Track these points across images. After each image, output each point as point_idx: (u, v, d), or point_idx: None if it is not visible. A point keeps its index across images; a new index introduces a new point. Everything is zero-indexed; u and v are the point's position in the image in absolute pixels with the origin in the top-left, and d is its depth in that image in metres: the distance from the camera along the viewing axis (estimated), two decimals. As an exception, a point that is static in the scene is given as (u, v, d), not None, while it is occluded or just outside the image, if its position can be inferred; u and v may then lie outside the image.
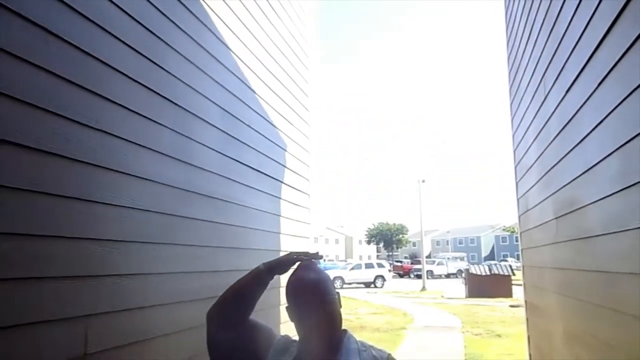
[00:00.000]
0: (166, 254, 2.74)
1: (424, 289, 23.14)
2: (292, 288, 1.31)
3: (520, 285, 5.36)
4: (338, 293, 1.32)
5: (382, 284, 26.05)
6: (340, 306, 1.33)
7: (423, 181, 28.75)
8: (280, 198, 4.53)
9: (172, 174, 2.82)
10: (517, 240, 5.21)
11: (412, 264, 39.89)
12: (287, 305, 1.33)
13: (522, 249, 4.88)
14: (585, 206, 2.53)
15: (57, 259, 2.05)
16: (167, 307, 2.77)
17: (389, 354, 1.33)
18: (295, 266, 1.39)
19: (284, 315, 4.49)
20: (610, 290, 2.24)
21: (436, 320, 12.23)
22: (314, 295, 1.27)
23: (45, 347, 1.98)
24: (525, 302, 4.94)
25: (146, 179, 2.58)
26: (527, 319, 4.91)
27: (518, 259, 5.52)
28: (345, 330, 1.35)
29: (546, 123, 3.29)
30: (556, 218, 3.22)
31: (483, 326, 10.92)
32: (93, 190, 2.22)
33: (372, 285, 25.89)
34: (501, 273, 18.89)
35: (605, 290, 2.33)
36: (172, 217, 2.78)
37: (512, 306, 14.40)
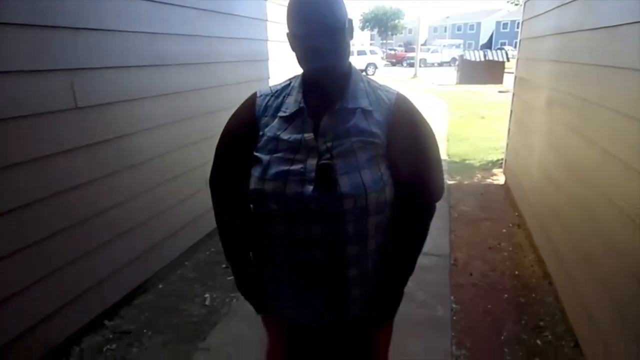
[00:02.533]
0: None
1: (415, 76, 23.16)
2: (292, 6, 1.06)
3: (512, 73, 5.28)
4: (350, 20, 1.10)
5: (374, 72, 25.94)
6: (352, 36, 1.12)
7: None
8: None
9: None
10: (518, 27, 4.89)
11: (405, 51, 39.03)
12: (287, 31, 1.12)
13: (522, 21, 4.63)
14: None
15: (24, 6, 1.89)
16: (148, 68, 2.71)
17: (397, 92, 1.16)
18: None
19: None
20: (609, 47, 2.16)
21: (423, 104, 12.57)
22: (316, 17, 1.03)
23: (34, 95, 1.98)
24: (515, 77, 4.94)
25: None
26: (513, 94, 5.00)
27: (516, 47, 5.28)
28: (350, 64, 1.16)
29: None
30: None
31: (469, 109, 11.32)
32: None
33: (363, 73, 25.64)
34: (495, 59, 18.67)
35: (603, 48, 2.25)
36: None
37: (500, 92, 14.68)
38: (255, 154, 1.14)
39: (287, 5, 1.08)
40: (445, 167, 6.14)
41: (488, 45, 55.83)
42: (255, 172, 1.12)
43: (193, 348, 2.36)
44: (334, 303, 1.19)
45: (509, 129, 5.12)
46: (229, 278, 3.07)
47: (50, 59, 2.04)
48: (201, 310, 2.72)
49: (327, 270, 1.14)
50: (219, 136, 1.25)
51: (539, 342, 2.43)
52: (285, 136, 1.11)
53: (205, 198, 1.40)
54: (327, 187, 1.05)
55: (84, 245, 2.36)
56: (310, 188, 1.06)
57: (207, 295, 2.89)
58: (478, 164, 6.26)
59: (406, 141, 1.12)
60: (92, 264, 2.44)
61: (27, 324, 2.08)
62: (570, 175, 2.65)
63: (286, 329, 1.32)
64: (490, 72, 17.91)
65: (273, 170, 1.09)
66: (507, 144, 5.16)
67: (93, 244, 2.42)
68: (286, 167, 1.08)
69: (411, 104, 1.18)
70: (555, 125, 3.05)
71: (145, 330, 2.52)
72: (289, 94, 1.17)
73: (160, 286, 2.98)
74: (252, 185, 1.13)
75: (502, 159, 5.65)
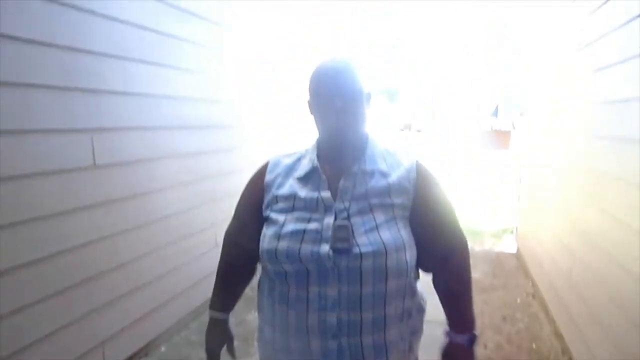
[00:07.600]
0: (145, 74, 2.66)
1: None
2: (316, 75, 1.13)
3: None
4: (369, 93, 1.15)
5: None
6: (369, 105, 1.15)
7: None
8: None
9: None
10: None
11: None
12: (308, 98, 1.16)
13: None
14: None
15: (52, 67, 2.00)
16: (167, 131, 2.80)
17: (417, 160, 1.19)
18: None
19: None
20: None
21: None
22: (339, 84, 1.08)
23: (54, 153, 2.06)
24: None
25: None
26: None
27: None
28: (367, 132, 1.20)
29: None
30: None
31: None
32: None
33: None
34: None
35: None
36: (145, 31, 2.63)
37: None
38: (270, 214, 1.14)
39: (311, 75, 1.14)
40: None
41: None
42: (269, 231, 1.11)
43: (194, 418, 2.23)
44: None
45: (518, 196, 5.11)
46: (235, 343, 2.96)
47: (75, 119, 2.13)
48: (204, 377, 2.60)
49: (341, 336, 1.07)
50: (226, 198, 1.29)
51: None
52: (302, 194, 1.11)
53: (210, 260, 1.40)
54: (343, 248, 1.04)
55: (87, 305, 2.33)
56: (326, 247, 1.04)
57: None
58: (488, 231, 6.19)
59: (432, 204, 1.15)
60: (94, 324, 2.38)
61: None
62: (585, 243, 2.60)
63: None
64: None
65: (289, 228, 1.08)
66: (519, 212, 5.13)
67: (96, 304, 2.38)
68: (302, 226, 1.07)
69: (429, 168, 1.22)
70: (569, 193, 3.04)
71: (144, 397, 2.41)
72: (302, 157, 1.21)
73: (163, 349, 2.88)
74: (265, 245, 1.10)
75: (513, 227, 5.59)
